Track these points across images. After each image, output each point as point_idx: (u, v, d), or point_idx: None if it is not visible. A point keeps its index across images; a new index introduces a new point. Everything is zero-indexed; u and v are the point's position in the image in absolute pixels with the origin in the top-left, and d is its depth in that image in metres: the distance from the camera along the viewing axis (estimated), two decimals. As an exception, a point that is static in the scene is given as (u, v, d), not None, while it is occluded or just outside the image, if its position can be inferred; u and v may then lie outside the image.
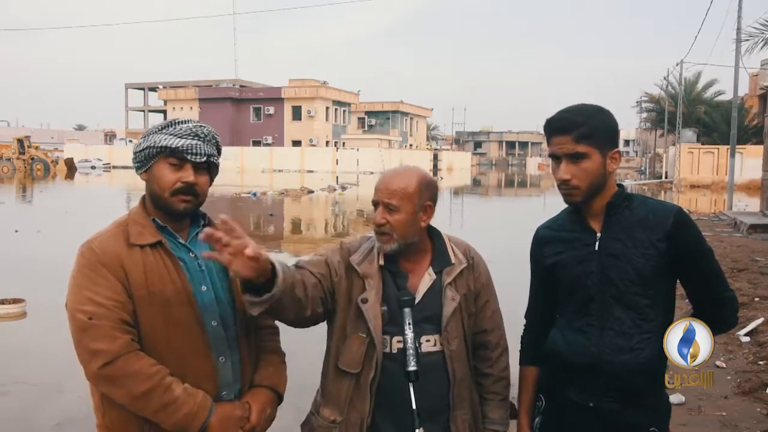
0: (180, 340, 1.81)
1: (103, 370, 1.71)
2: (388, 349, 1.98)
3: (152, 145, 1.84)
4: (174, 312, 1.81)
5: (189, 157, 1.83)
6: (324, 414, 2.03)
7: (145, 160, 1.86)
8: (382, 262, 2.02)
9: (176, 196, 1.84)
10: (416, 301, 1.95)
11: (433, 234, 2.09)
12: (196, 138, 1.86)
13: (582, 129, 1.83)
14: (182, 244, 1.90)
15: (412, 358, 1.82)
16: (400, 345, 1.95)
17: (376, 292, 1.98)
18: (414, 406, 1.76)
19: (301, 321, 1.94)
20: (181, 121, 1.88)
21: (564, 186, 1.88)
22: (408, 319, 1.86)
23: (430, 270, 2.03)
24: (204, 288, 1.87)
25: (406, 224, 1.96)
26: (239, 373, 1.93)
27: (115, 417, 1.81)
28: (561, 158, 1.87)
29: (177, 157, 1.84)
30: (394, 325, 1.97)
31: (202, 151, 1.85)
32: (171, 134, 1.84)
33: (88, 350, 1.72)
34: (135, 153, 1.89)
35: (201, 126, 1.89)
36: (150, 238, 1.83)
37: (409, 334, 1.84)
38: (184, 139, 1.84)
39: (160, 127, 1.88)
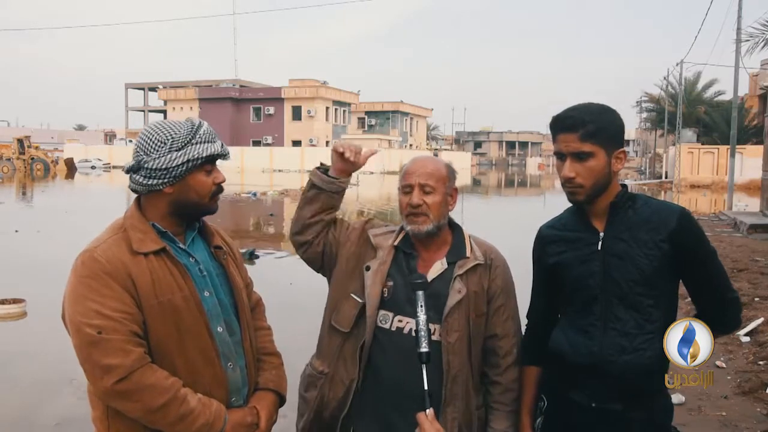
0: (192, 349, 1.78)
1: (117, 385, 1.65)
2: (387, 325, 2.02)
3: (195, 157, 1.77)
4: (185, 320, 1.77)
5: (223, 158, 1.85)
6: (315, 364, 2.16)
7: (183, 173, 1.78)
8: (397, 242, 2.10)
9: (214, 198, 1.86)
10: None
11: (454, 228, 2.15)
12: (217, 137, 1.86)
13: (588, 127, 1.83)
14: (182, 248, 1.85)
15: (424, 339, 1.83)
16: (401, 324, 2.01)
17: (381, 263, 2.07)
18: (426, 387, 1.79)
19: (310, 232, 2.16)
20: (198, 125, 1.82)
21: (568, 184, 1.88)
22: (420, 302, 1.88)
23: (444, 260, 2.06)
24: (207, 293, 1.84)
25: (441, 205, 2.06)
26: (246, 378, 1.92)
27: (122, 429, 1.75)
28: (566, 156, 1.86)
29: (211, 162, 1.83)
30: (395, 304, 2.03)
31: (228, 150, 1.88)
32: (203, 141, 1.80)
33: (100, 366, 1.65)
34: (167, 169, 1.76)
35: (208, 125, 1.88)
36: (153, 245, 1.78)
37: (422, 316, 1.86)
38: (215, 143, 1.83)
39: (189, 137, 1.78)
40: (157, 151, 1.77)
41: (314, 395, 2.11)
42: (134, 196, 1.88)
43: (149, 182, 1.78)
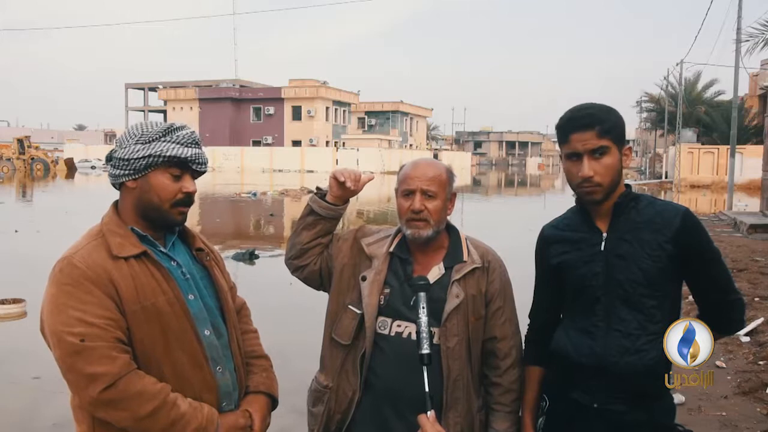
0: (179, 353, 1.74)
1: (104, 394, 1.59)
2: (386, 331, 2.02)
3: (157, 153, 1.73)
4: (171, 324, 1.73)
5: (194, 167, 1.79)
6: (319, 379, 2.15)
7: (144, 168, 1.74)
8: (392, 248, 2.08)
9: (176, 207, 1.78)
10: None
11: (451, 231, 2.13)
12: (196, 146, 1.80)
13: (604, 124, 1.82)
14: (163, 252, 1.81)
15: (425, 341, 1.80)
16: (399, 328, 2.01)
17: (377, 272, 2.05)
18: (427, 389, 1.76)
19: (307, 256, 2.16)
20: (179, 127, 1.79)
21: (587, 184, 1.84)
22: (422, 303, 1.86)
23: (441, 264, 2.06)
24: (191, 297, 1.80)
25: (441, 211, 2.05)
26: (236, 382, 1.89)
27: None
28: (582, 155, 1.84)
29: (180, 167, 1.77)
30: (392, 309, 2.02)
31: (205, 160, 1.82)
32: (175, 142, 1.75)
33: (84, 375, 1.59)
34: (128, 160, 1.74)
35: (194, 132, 1.84)
36: (133, 248, 1.73)
37: (423, 318, 1.84)
38: (189, 148, 1.77)
39: (159, 134, 1.75)
40: (126, 142, 1.77)
41: (321, 410, 2.09)
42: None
43: (114, 172, 1.78)
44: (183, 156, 1.75)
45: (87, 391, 1.61)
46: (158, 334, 1.71)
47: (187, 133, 1.79)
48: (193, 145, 1.79)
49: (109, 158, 1.80)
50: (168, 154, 1.74)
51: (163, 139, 1.75)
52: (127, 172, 1.75)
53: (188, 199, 1.80)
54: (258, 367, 1.99)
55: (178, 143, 1.76)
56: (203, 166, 1.82)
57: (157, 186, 1.76)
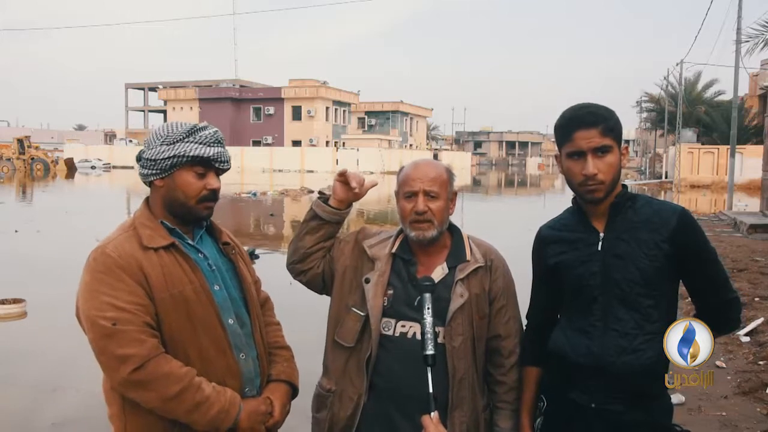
0: (204, 339, 1.83)
1: (133, 375, 1.69)
2: (391, 332, 2.02)
3: (181, 154, 1.82)
4: (197, 312, 1.82)
5: (218, 165, 1.88)
6: (323, 383, 2.15)
7: (169, 168, 1.84)
8: (395, 249, 2.09)
9: (202, 203, 1.88)
10: None
11: (453, 230, 2.14)
12: (219, 145, 1.89)
13: (608, 122, 1.84)
14: (191, 245, 1.91)
15: (430, 342, 1.79)
16: (404, 329, 2.01)
17: (381, 274, 2.06)
18: (430, 390, 1.75)
19: (310, 260, 2.16)
20: (202, 128, 1.88)
21: (591, 182, 1.84)
22: (428, 304, 1.85)
23: (444, 264, 2.06)
24: (217, 287, 1.90)
25: (444, 211, 2.06)
26: (259, 369, 1.97)
27: (139, 424, 1.79)
28: (585, 153, 1.84)
29: (204, 165, 1.86)
30: (396, 310, 2.02)
31: (227, 158, 1.91)
32: (198, 143, 1.85)
33: (116, 357, 1.69)
34: (155, 160, 1.84)
35: (218, 131, 1.92)
36: (162, 240, 1.84)
37: (428, 318, 1.83)
38: (212, 148, 1.86)
39: (183, 135, 1.85)
40: (154, 143, 1.86)
41: (325, 415, 2.10)
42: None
43: (143, 171, 1.89)
44: (206, 155, 1.85)
45: (118, 372, 1.70)
46: (185, 320, 1.81)
47: (210, 133, 1.89)
48: (215, 144, 1.88)
49: (139, 158, 1.90)
50: (191, 154, 1.83)
51: (186, 139, 1.85)
52: (154, 171, 1.86)
53: (213, 196, 1.91)
54: (280, 357, 2.07)
55: (201, 143, 1.85)
56: (226, 164, 1.91)
57: (183, 184, 1.86)
